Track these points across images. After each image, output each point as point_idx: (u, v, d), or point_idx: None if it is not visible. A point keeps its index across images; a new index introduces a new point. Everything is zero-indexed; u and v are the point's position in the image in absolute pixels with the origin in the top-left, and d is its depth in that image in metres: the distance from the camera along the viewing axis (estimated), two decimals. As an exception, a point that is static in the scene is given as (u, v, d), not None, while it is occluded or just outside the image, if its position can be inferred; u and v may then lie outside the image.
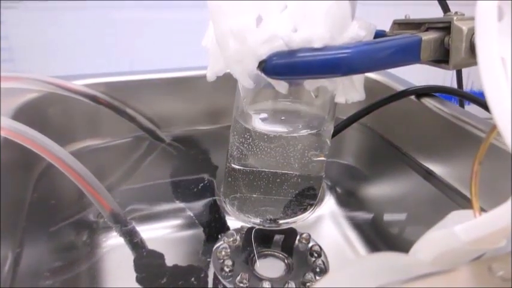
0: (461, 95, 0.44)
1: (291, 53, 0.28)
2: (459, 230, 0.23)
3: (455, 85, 0.48)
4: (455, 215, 0.25)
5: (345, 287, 0.20)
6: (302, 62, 0.28)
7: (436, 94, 0.44)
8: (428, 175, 0.43)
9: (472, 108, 0.42)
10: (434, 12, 0.37)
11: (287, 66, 0.28)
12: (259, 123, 0.34)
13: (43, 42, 0.69)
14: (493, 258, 0.23)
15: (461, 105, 0.51)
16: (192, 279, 0.37)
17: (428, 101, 0.42)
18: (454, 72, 0.48)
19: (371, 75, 0.49)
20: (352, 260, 0.34)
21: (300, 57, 0.28)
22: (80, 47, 0.72)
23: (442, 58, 0.32)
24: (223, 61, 0.30)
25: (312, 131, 0.35)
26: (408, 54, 0.31)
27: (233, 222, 0.41)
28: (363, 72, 0.31)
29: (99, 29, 0.71)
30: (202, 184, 0.47)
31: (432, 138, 0.43)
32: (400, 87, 0.45)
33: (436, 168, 0.43)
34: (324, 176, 0.38)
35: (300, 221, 0.38)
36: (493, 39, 0.22)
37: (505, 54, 0.22)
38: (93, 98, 0.42)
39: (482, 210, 0.24)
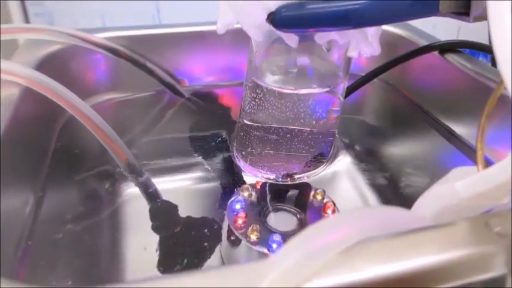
0: (488, 51, 0.42)
1: (301, 4, 0.27)
2: (460, 186, 0.22)
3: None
4: (458, 171, 0.25)
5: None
6: (311, 14, 0.28)
7: (463, 50, 0.42)
8: (450, 135, 0.42)
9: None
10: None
11: (296, 18, 0.28)
12: (270, 79, 0.34)
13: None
14: (492, 214, 0.22)
15: (494, 64, 0.49)
16: (205, 230, 0.38)
17: (452, 57, 0.41)
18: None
19: (392, 29, 0.47)
20: (355, 209, 0.34)
21: (309, 9, 0.27)
22: (113, 2, 0.72)
23: (462, 10, 0.31)
24: (233, 13, 0.30)
25: (324, 88, 0.34)
26: (425, 6, 0.30)
27: (250, 177, 0.42)
28: (376, 24, 0.30)
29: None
30: (220, 139, 0.48)
31: (455, 97, 0.42)
32: (423, 42, 0.43)
33: (458, 128, 0.41)
34: (336, 132, 0.37)
35: (313, 176, 0.38)
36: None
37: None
38: (114, 51, 0.43)
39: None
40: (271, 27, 0.29)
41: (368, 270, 0.18)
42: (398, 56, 0.42)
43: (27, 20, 0.70)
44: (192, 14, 0.72)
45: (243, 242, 0.36)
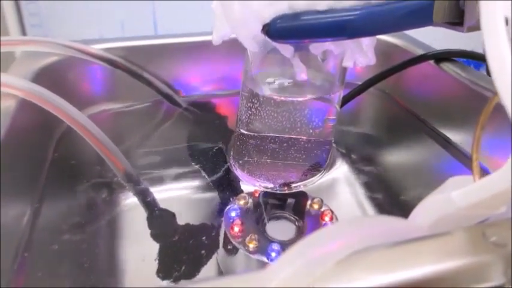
0: (482, 59, 0.42)
1: (295, 15, 0.28)
2: (456, 195, 0.23)
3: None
4: (455, 180, 0.25)
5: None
6: (306, 25, 0.28)
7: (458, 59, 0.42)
8: (446, 143, 0.42)
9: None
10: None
11: (291, 29, 0.28)
12: (266, 88, 0.34)
13: (72, 7, 0.70)
14: (488, 224, 0.23)
15: (488, 72, 0.49)
16: (203, 238, 0.38)
17: (447, 66, 0.41)
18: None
19: (388, 38, 0.48)
20: (353, 218, 0.34)
21: (304, 20, 0.28)
22: (109, 11, 0.72)
23: (456, 20, 0.31)
24: (228, 24, 0.30)
25: (320, 96, 0.34)
26: (420, 16, 0.30)
27: (247, 185, 0.42)
28: (370, 35, 0.30)
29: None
30: (217, 148, 0.48)
31: (451, 105, 0.42)
32: (419, 51, 0.44)
33: (454, 136, 0.42)
34: (333, 141, 0.38)
35: (309, 185, 0.38)
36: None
37: (510, 14, 0.21)
38: (111, 62, 0.43)
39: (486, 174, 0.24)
40: (267, 38, 0.29)
41: (366, 280, 0.18)
42: (394, 65, 0.42)
43: (23, 31, 0.70)
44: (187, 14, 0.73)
45: (241, 250, 0.36)
